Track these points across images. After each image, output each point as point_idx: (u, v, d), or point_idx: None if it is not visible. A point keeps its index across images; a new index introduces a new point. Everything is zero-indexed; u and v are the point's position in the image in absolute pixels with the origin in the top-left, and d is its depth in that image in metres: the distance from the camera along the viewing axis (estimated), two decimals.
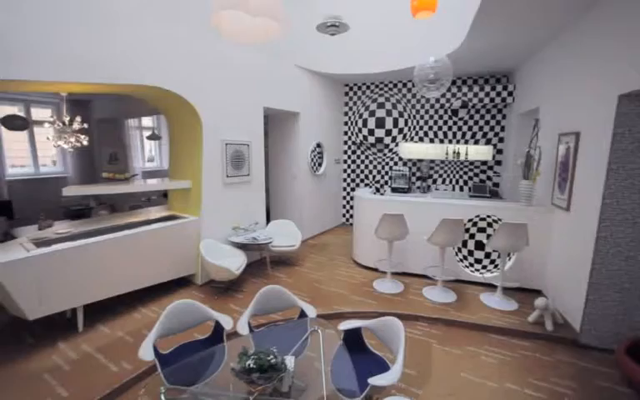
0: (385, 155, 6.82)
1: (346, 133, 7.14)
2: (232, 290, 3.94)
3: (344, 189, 7.37)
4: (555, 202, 3.59)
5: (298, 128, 5.75)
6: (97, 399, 2.30)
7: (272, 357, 1.56)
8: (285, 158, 6.00)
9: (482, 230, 4.12)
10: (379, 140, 6.63)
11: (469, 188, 6.19)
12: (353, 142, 7.09)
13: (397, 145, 6.61)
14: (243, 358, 1.54)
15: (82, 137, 5.78)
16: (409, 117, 6.48)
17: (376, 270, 4.49)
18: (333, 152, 6.82)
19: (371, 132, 6.62)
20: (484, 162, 6.11)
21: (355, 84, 6.87)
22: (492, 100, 5.56)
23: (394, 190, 6.32)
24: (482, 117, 6.03)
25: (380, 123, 6.52)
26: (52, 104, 6.82)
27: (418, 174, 6.53)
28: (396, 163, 6.70)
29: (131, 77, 3.23)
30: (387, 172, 6.84)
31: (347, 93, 6.97)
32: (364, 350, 2.19)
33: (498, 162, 6.03)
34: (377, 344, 2.18)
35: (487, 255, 4.15)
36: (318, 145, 6.24)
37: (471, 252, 4.23)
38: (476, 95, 5.63)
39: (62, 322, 3.16)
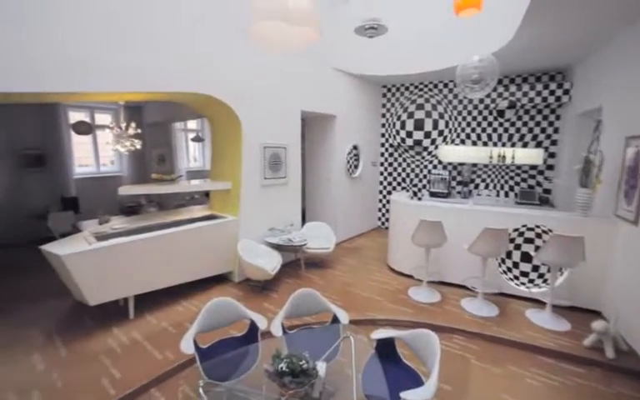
0: (423, 158, 6.60)
1: (383, 135, 7.02)
2: (267, 289, 4.05)
3: (380, 192, 7.25)
4: (620, 213, 3.22)
5: (335, 131, 5.76)
6: (144, 383, 2.49)
7: (304, 362, 1.58)
8: (321, 161, 6.05)
9: (529, 241, 3.82)
10: (418, 142, 6.43)
11: (515, 195, 5.77)
12: (391, 145, 6.95)
13: (436, 148, 6.36)
14: (276, 361, 1.57)
15: (136, 141, 6.31)
16: (450, 118, 6.20)
17: (411, 277, 4.36)
18: (370, 154, 6.74)
19: (409, 135, 6.44)
20: (533, 167, 5.66)
21: (393, 85, 6.72)
22: (544, 99, 5.13)
23: (433, 194, 6.09)
24: (532, 118, 5.59)
25: (419, 125, 6.32)
26: (111, 110, 7.51)
27: (459, 178, 6.23)
28: (435, 167, 6.45)
29: (179, 86, 3.46)
30: (425, 176, 6.61)
31: (384, 95, 6.85)
32: (397, 361, 2.13)
33: (550, 167, 5.55)
34: (410, 354, 2.11)
35: (535, 268, 3.84)
36: (355, 147, 6.21)
37: (516, 264, 3.94)
38: (525, 94, 5.23)
39: (116, 309, 3.46)
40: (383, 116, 6.94)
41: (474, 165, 6.09)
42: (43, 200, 6.34)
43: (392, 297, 3.93)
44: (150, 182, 4.98)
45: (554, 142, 5.47)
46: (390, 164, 7.05)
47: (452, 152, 6.06)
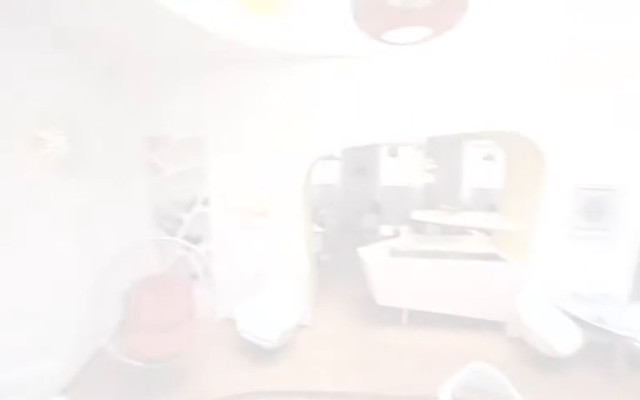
0: None
1: None
2: (551, 367, 3.18)
3: None
4: None
5: None
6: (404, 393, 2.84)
7: None
8: None
9: None
10: None
11: None
12: None
13: None
14: None
15: (430, 175, 7.10)
16: None
17: None
18: None
19: None
20: None
21: None
22: None
23: None
24: None
25: None
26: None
27: None
28: None
29: (483, 123, 3.48)
30: None
31: None
32: None
33: None
34: None
35: None
36: None
37: None
38: None
39: (392, 310, 3.99)
40: None
41: None
42: (361, 201, 8.63)
43: None
44: (436, 206, 5.23)
45: None
46: None
47: None
